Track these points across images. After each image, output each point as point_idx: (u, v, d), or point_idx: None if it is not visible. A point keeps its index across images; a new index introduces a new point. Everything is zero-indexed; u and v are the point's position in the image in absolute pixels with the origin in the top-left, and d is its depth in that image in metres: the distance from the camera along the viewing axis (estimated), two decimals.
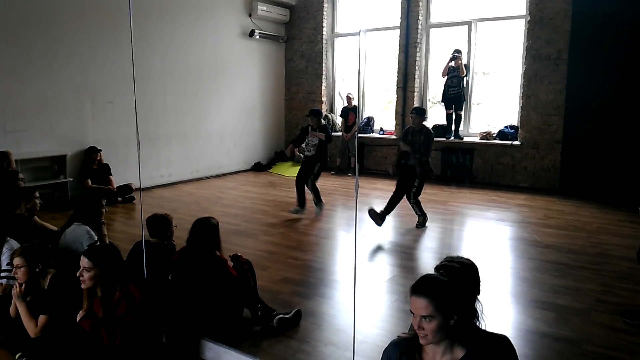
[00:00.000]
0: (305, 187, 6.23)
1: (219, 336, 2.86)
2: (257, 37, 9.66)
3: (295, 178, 6.33)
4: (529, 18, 7.81)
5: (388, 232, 5.54)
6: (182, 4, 8.27)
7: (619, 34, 6.87)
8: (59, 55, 6.68)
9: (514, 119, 8.41)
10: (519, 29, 8.17)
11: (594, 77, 7.15)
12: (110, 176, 7.01)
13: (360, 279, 4.07)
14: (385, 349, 1.90)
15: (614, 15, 6.84)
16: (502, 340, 1.90)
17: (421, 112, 5.71)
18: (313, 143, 6.18)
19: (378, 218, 5.44)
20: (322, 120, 6.32)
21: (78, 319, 2.56)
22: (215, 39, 8.98)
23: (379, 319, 3.45)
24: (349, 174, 9.40)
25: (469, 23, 8.56)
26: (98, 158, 6.95)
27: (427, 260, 4.68)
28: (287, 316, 3.17)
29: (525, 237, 5.35)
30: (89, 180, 6.82)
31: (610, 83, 6.99)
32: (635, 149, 6.52)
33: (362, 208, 6.57)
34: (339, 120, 10.08)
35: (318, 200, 6.21)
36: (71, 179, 6.80)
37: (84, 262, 2.51)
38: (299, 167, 6.42)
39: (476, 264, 2.05)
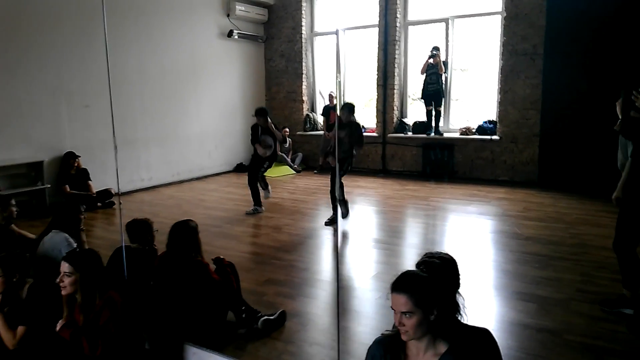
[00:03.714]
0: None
1: (202, 340, 2.84)
2: (236, 37, 9.61)
3: (248, 178, 6.50)
4: (504, 14, 7.91)
5: (371, 229, 5.56)
6: (158, 4, 8.18)
7: (592, 28, 6.99)
8: (33, 58, 6.54)
9: (492, 114, 8.51)
10: (495, 25, 8.27)
11: (569, 71, 7.28)
12: (89, 181, 6.91)
13: (345, 277, 4.08)
14: (369, 347, 1.91)
15: (588, 11, 6.96)
16: (484, 333, 1.93)
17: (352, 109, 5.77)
18: (268, 144, 6.33)
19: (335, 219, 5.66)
20: (269, 119, 6.45)
21: (58, 328, 2.51)
22: (193, 39, 8.90)
23: (364, 317, 3.46)
24: None
25: (446, 20, 8.63)
26: (76, 164, 6.83)
27: (411, 257, 4.71)
28: (271, 317, 3.16)
29: (506, 229, 5.42)
30: (68, 186, 6.70)
31: (585, 77, 7.11)
32: (610, 141, 6.63)
33: None
34: (320, 120, 10.08)
35: (265, 185, 6.56)
36: (49, 186, 6.67)
37: (65, 267, 2.47)
38: (250, 165, 6.67)
39: (458, 258, 2.07)
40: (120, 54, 7.47)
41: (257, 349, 2.93)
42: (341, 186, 5.68)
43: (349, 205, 5.85)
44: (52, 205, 6.44)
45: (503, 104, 8.10)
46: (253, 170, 6.52)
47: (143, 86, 8.04)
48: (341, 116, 5.72)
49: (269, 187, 6.65)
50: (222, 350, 2.78)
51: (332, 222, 5.70)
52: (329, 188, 5.81)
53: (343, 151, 5.63)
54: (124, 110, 7.64)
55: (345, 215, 5.73)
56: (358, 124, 5.83)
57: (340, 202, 5.63)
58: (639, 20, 6.57)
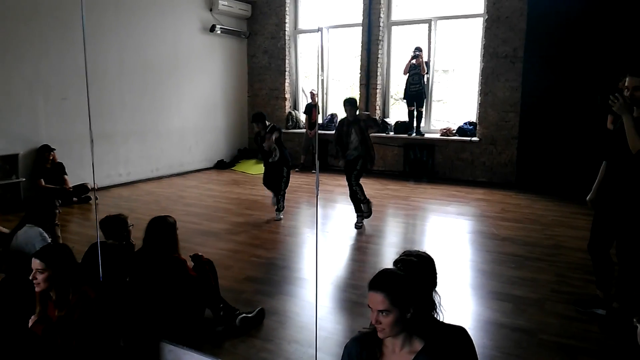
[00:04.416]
0: None
1: (179, 338, 2.81)
2: (219, 32, 9.52)
3: (262, 182, 6.25)
4: (486, 17, 8.00)
5: (351, 228, 5.57)
6: None
7: (572, 32, 7.12)
8: (9, 50, 6.38)
9: (472, 116, 8.61)
10: (477, 27, 8.37)
11: (548, 75, 7.39)
12: (65, 175, 6.78)
13: (323, 275, 4.08)
14: (346, 345, 1.91)
15: (568, 14, 7.08)
16: (459, 331, 1.95)
17: (353, 103, 5.62)
18: (272, 147, 6.02)
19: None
20: (267, 122, 6.08)
21: (30, 324, 2.46)
22: (175, 34, 8.79)
23: (342, 315, 3.47)
24: (313, 171, 9.40)
25: (429, 21, 8.69)
26: (51, 157, 6.70)
27: (389, 255, 4.72)
28: (250, 315, 3.14)
29: (484, 230, 5.49)
30: (42, 180, 6.57)
31: (564, 80, 7.23)
32: (587, 144, 6.78)
33: (325, 205, 6.63)
34: (302, 117, 10.07)
35: (280, 202, 6.11)
36: (24, 179, 6.53)
37: (36, 263, 2.41)
38: (265, 171, 6.22)
39: (435, 257, 2.08)
40: (100, 47, 7.34)
41: (234, 347, 2.91)
42: (361, 187, 5.55)
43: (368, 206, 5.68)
44: (26, 199, 6.30)
45: (483, 106, 8.19)
46: (266, 176, 6.14)
47: (123, 80, 7.91)
48: (346, 113, 5.56)
49: (283, 207, 6.06)
50: (199, 348, 2.74)
51: (359, 221, 5.58)
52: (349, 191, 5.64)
53: (354, 149, 5.49)
54: (103, 104, 7.50)
55: (368, 215, 5.63)
56: (369, 116, 5.80)
57: (362, 203, 5.57)
58: (619, 25, 6.71)
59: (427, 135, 8.75)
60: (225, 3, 9.48)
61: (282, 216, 6.00)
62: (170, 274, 2.94)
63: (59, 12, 6.78)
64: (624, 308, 3.21)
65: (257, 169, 9.35)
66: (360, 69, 9.25)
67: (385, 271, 1.80)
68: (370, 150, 5.54)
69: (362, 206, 5.59)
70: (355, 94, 9.61)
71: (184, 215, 5.84)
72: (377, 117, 9.26)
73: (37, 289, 2.43)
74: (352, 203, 5.64)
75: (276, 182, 6.02)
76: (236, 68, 10.34)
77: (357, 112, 5.61)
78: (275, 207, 6.03)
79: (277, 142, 5.93)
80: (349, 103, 5.54)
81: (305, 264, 4.55)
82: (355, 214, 5.61)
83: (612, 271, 3.33)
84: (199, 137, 9.58)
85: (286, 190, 6.08)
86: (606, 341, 3.03)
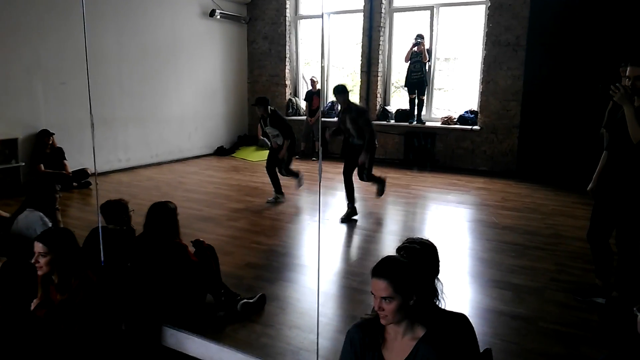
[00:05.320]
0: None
1: (180, 322, 2.82)
2: (218, 17, 9.43)
3: (265, 166, 6.29)
4: (489, 4, 7.92)
5: None
6: None
7: (575, 21, 7.05)
8: (8, 34, 6.32)
9: (474, 104, 8.57)
10: (479, 14, 8.29)
11: (551, 63, 7.34)
12: (65, 160, 6.76)
13: (324, 262, 4.09)
14: (348, 331, 1.91)
15: (572, 2, 7.02)
16: (461, 318, 1.96)
17: (341, 90, 5.35)
18: (274, 134, 6.09)
19: (350, 217, 5.40)
20: (270, 108, 6.03)
21: (32, 307, 2.46)
22: (174, 18, 8.70)
23: (343, 302, 3.49)
24: (314, 158, 9.39)
25: (431, 8, 8.61)
26: (51, 142, 6.67)
27: (390, 243, 4.74)
28: (251, 301, 3.16)
29: (484, 219, 5.49)
30: (42, 165, 6.55)
31: (566, 69, 7.18)
32: (588, 134, 6.76)
33: (326, 192, 6.62)
34: (303, 104, 10.02)
35: (296, 175, 6.29)
36: (23, 164, 6.51)
37: (38, 247, 2.41)
38: (267, 155, 6.35)
39: (436, 245, 2.09)
40: (99, 31, 7.26)
41: (235, 332, 2.93)
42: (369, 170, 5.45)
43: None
44: (26, 184, 6.29)
45: (485, 94, 8.15)
46: (269, 159, 6.22)
47: (122, 65, 7.85)
48: (338, 102, 5.49)
49: (300, 174, 6.31)
50: (200, 333, 2.76)
51: (347, 217, 5.35)
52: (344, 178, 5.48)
53: (356, 137, 5.31)
54: (102, 89, 7.45)
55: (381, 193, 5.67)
56: (359, 108, 5.47)
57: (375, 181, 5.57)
58: (622, 14, 6.65)
59: (428, 124, 8.71)
60: None
61: (275, 199, 6.08)
62: (171, 259, 2.94)
63: None
64: (624, 297, 3.22)
65: (257, 156, 9.34)
66: (361, 56, 9.18)
67: (389, 258, 1.80)
68: (371, 140, 5.26)
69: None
70: (356, 82, 9.55)
71: (184, 201, 5.84)
72: (379, 106, 9.21)
73: (39, 273, 2.43)
74: (345, 192, 5.46)
75: (275, 164, 6.13)
76: (236, 54, 10.26)
77: (349, 99, 5.41)
78: (277, 200, 6.11)
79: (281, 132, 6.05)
80: (336, 91, 5.36)
81: (305, 250, 4.56)
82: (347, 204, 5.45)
83: (611, 260, 3.34)
84: (199, 124, 9.54)
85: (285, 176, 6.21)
86: (605, 330, 3.05)
